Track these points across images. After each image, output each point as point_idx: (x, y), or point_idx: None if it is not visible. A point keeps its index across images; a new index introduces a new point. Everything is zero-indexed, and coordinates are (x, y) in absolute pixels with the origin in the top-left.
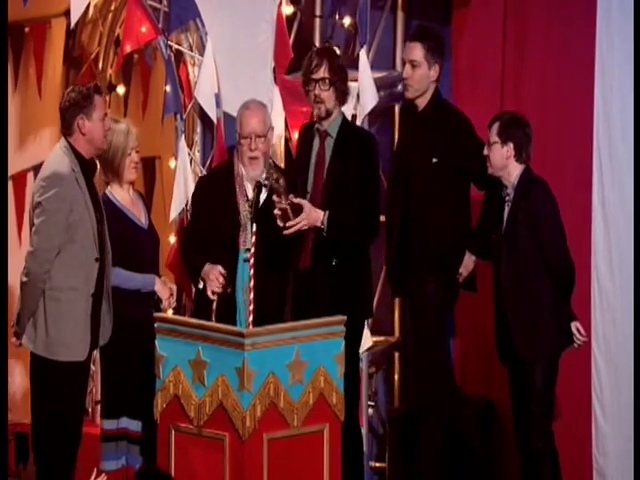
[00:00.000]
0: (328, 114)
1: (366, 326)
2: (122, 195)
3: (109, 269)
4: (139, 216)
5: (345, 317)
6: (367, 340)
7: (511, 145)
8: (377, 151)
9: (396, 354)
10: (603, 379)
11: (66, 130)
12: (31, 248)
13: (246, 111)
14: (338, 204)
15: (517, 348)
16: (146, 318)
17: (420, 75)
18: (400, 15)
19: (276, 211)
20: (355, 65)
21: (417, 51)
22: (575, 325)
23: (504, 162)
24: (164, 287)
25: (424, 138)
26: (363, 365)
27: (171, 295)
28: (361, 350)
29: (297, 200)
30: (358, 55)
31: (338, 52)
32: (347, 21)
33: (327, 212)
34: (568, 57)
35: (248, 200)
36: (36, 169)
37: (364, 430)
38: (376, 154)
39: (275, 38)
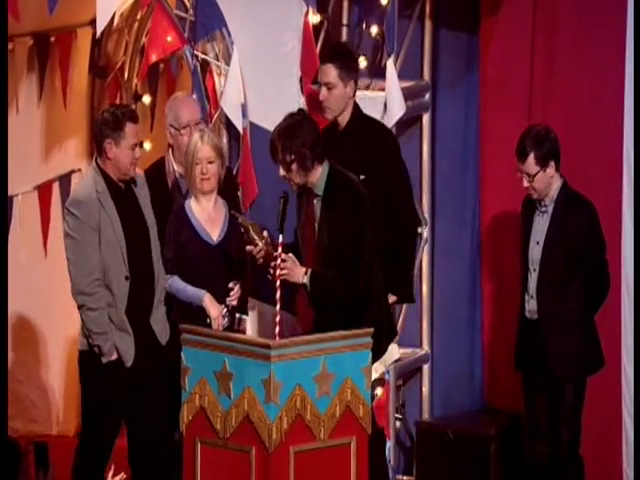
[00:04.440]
0: (301, 185)
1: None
2: (200, 208)
3: (156, 285)
4: (211, 231)
5: (372, 329)
6: (395, 352)
7: (552, 163)
8: (364, 202)
9: (424, 366)
10: (633, 391)
11: (97, 149)
12: (72, 280)
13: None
14: (328, 263)
15: (552, 363)
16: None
17: (336, 96)
18: (428, 24)
19: (259, 259)
20: (382, 74)
21: (331, 72)
22: None
23: (549, 182)
24: (213, 305)
25: (350, 155)
26: (391, 377)
27: (222, 315)
28: (389, 362)
29: (284, 256)
30: (385, 64)
31: (305, 118)
32: (374, 30)
33: (309, 270)
34: (597, 67)
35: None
36: (62, 179)
37: (391, 443)
38: (363, 207)
39: (302, 47)
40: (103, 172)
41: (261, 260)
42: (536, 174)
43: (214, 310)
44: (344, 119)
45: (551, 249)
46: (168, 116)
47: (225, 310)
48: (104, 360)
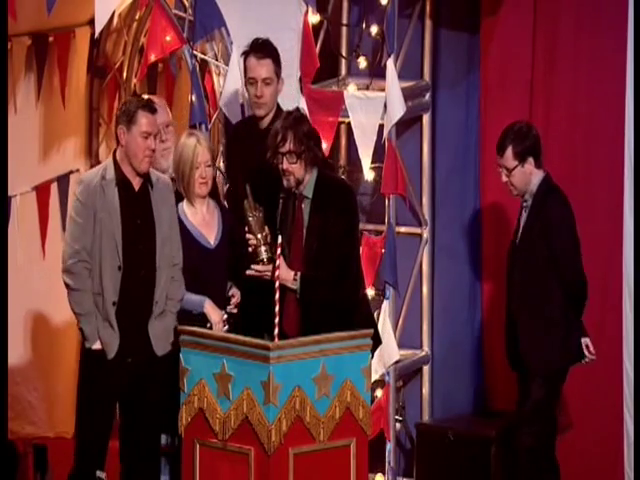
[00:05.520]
0: (299, 183)
1: (394, 339)
2: (194, 212)
3: (159, 288)
4: (208, 235)
5: (372, 330)
6: (395, 354)
7: (531, 159)
8: (355, 202)
9: (424, 368)
10: (633, 391)
11: (116, 138)
12: (62, 258)
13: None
14: (318, 265)
15: (524, 358)
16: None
17: (272, 91)
18: (428, 24)
19: (250, 249)
20: (382, 74)
21: (270, 68)
22: (585, 342)
23: (528, 179)
24: (214, 310)
25: None
26: (391, 379)
27: (223, 321)
28: (389, 363)
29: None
30: (385, 64)
31: (307, 115)
32: (374, 30)
33: (299, 273)
34: (598, 65)
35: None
36: (60, 179)
37: (391, 444)
38: (354, 206)
39: (301, 47)
40: (117, 164)
41: (250, 250)
42: (514, 168)
43: (215, 316)
44: (268, 117)
45: (526, 243)
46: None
47: (225, 315)
48: (87, 345)
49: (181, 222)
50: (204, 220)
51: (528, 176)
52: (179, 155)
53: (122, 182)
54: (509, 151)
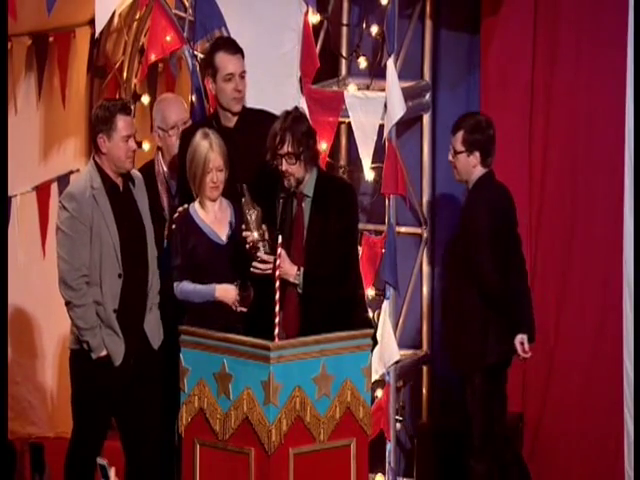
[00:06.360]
0: (299, 183)
1: (394, 339)
2: (205, 211)
3: (150, 284)
4: (219, 231)
5: (372, 330)
6: (395, 354)
7: (477, 154)
8: (355, 201)
9: (424, 368)
10: (633, 391)
11: (93, 146)
12: (59, 275)
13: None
14: (319, 264)
15: (448, 355)
16: (226, 329)
17: (245, 84)
18: (428, 24)
19: (247, 246)
20: (382, 74)
21: (242, 61)
22: (520, 338)
23: (470, 170)
24: (226, 292)
25: (244, 156)
26: (391, 379)
27: (237, 293)
28: (389, 364)
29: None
30: (385, 64)
31: (306, 114)
32: (374, 30)
33: (302, 269)
34: (598, 65)
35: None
36: (60, 179)
37: (392, 444)
38: (354, 204)
39: (301, 47)
40: (100, 169)
41: (247, 247)
42: (459, 153)
43: (230, 296)
44: (236, 116)
45: (457, 237)
46: (156, 119)
47: (237, 284)
48: (94, 356)
49: (192, 219)
50: (216, 218)
51: (471, 168)
52: (192, 157)
53: (110, 187)
54: (460, 134)
